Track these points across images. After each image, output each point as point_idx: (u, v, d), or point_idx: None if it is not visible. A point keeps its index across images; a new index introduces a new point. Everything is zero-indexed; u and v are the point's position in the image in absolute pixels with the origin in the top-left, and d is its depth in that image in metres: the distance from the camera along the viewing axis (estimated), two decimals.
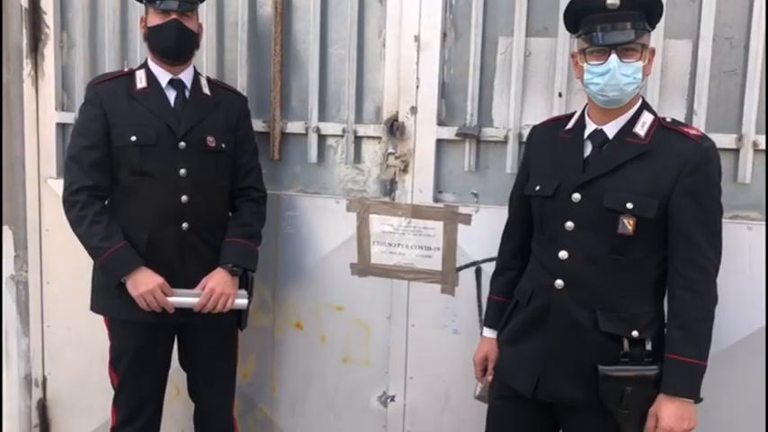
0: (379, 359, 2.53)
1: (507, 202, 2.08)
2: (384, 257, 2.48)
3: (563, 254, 1.80)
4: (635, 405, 1.74)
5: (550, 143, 1.90)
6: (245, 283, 2.28)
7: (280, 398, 2.68)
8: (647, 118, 1.78)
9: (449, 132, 2.37)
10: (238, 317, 2.33)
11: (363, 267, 2.51)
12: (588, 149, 1.82)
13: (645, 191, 1.72)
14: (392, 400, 2.53)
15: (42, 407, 2.98)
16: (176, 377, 2.44)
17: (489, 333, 2.08)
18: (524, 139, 2.25)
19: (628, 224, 1.73)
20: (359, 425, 2.58)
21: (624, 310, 1.76)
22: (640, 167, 1.74)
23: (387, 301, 2.49)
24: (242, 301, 2.26)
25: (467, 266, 2.39)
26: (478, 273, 2.38)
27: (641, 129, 1.77)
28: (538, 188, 1.87)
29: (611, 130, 1.79)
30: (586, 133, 1.83)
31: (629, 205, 1.72)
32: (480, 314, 2.38)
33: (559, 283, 1.80)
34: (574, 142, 1.84)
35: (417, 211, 2.42)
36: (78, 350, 2.84)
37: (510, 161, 2.30)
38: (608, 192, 1.74)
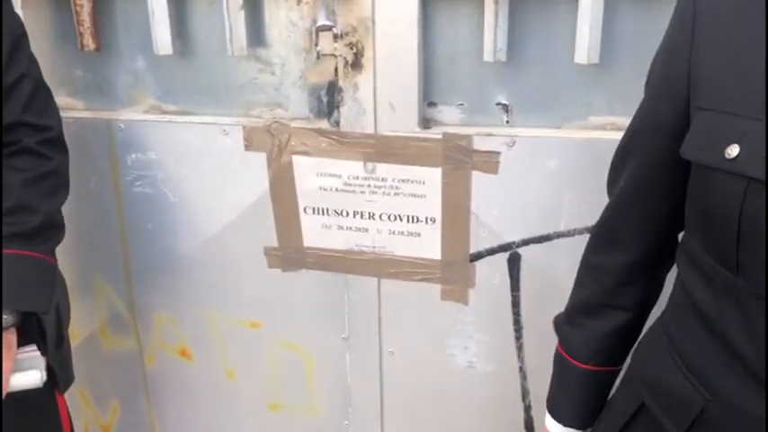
0: (333, 405, 1.42)
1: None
2: (329, 237, 1.28)
3: None
4: None
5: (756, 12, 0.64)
6: (33, 331, 1.09)
7: None
8: None
9: None
10: (52, 378, 1.17)
11: (290, 255, 1.31)
12: None
13: None
14: None
15: None
16: None
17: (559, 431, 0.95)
18: None
19: None
20: None
21: None
22: None
23: (340, 311, 1.33)
24: (29, 378, 1.07)
25: (491, 253, 1.22)
26: (514, 263, 1.22)
27: None
28: (736, 152, 0.64)
29: None
30: None
31: None
32: (519, 336, 1.26)
33: None
34: None
35: (387, 147, 1.19)
36: None
37: (586, 31, 1.05)
38: None
